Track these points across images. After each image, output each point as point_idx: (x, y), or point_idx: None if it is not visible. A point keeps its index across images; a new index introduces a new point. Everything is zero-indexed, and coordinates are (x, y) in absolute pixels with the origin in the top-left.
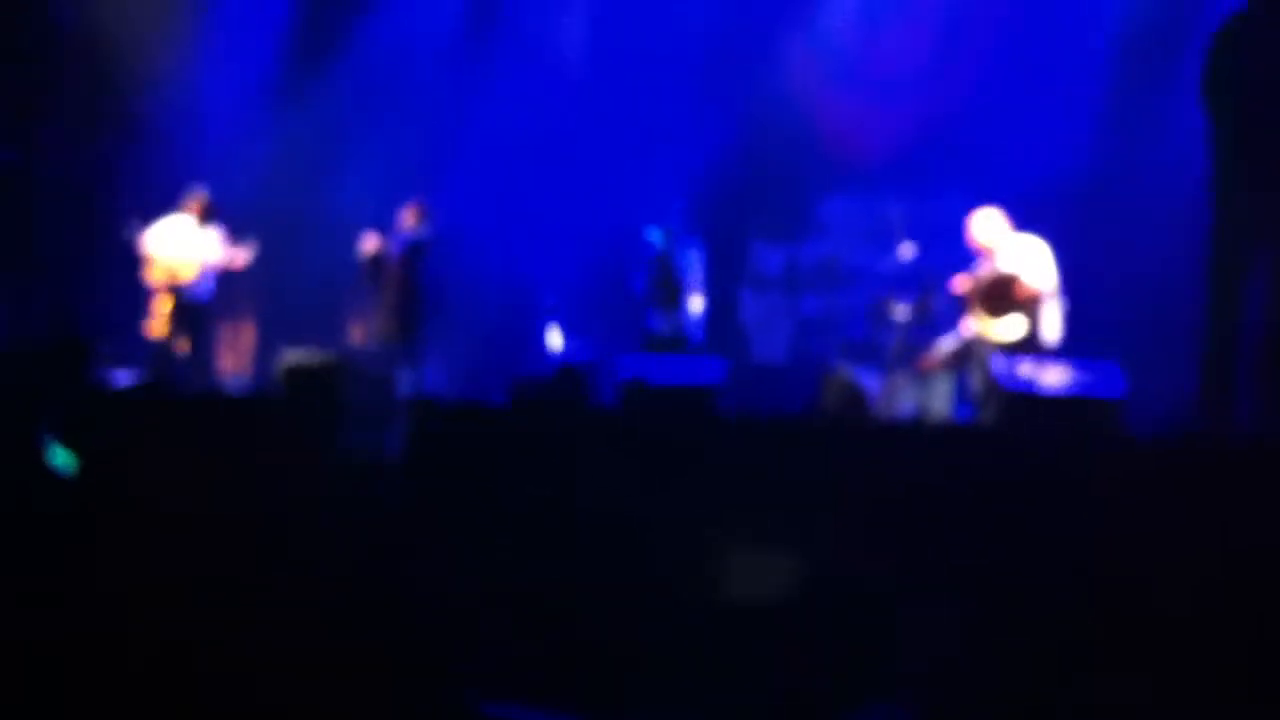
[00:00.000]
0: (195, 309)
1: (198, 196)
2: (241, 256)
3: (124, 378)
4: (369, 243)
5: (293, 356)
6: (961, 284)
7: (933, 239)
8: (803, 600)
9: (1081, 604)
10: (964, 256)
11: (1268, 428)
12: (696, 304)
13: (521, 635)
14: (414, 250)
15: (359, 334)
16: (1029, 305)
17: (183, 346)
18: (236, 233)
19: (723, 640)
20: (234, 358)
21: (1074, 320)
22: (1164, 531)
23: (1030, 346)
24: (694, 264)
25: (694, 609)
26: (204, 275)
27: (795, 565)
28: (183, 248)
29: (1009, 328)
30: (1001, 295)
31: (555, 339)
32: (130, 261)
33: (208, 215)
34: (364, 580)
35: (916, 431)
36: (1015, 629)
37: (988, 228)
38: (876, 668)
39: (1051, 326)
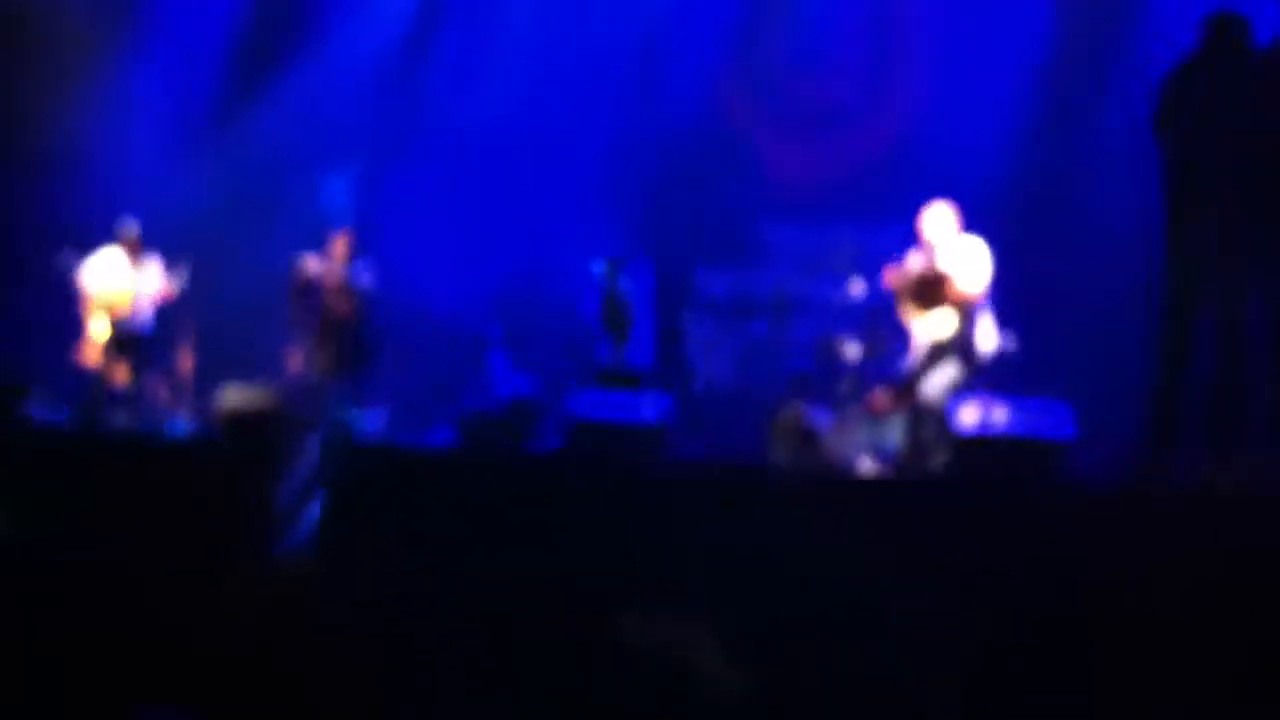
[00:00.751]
0: (134, 340)
1: (128, 229)
2: (173, 285)
3: (54, 415)
4: (305, 268)
5: (233, 397)
6: (891, 277)
7: (878, 272)
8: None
9: (1027, 647)
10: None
11: (1211, 478)
12: (644, 337)
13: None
14: (350, 283)
15: (296, 364)
16: (959, 306)
17: (120, 376)
18: (168, 261)
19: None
20: (172, 389)
21: (1019, 354)
22: (1107, 579)
23: (964, 353)
24: (643, 295)
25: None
26: (142, 308)
27: (741, 628)
28: (118, 281)
29: (937, 324)
30: (931, 292)
31: (503, 370)
32: (54, 295)
33: (139, 247)
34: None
35: (868, 482)
36: (966, 672)
37: (939, 222)
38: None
39: (986, 335)
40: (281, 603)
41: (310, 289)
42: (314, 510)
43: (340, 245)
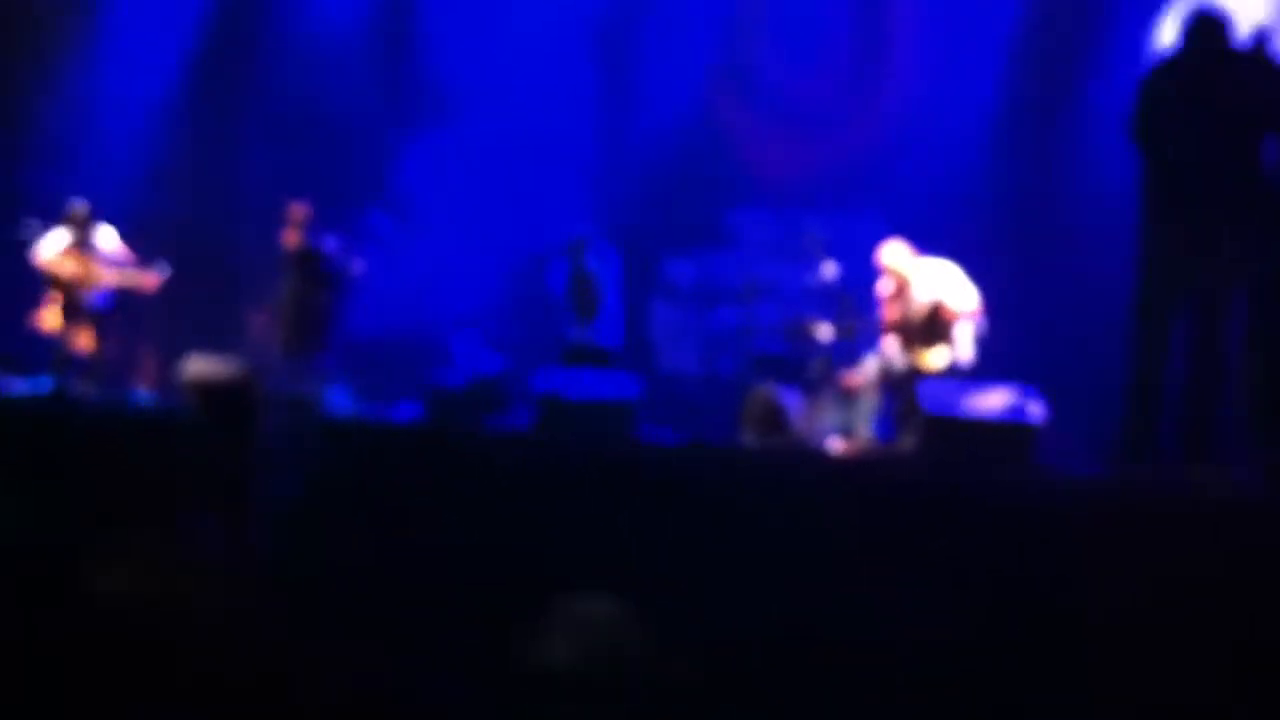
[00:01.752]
0: (92, 312)
1: (77, 209)
2: (152, 279)
3: (22, 385)
4: (291, 237)
5: (198, 366)
6: (891, 316)
7: (849, 256)
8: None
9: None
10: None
11: (1185, 480)
12: (612, 316)
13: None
14: (312, 257)
15: (260, 333)
16: (951, 328)
17: (83, 343)
18: (143, 244)
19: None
20: (133, 353)
21: (991, 347)
22: (1075, 569)
23: (949, 369)
24: (611, 274)
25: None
26: (100, 288)
27: (717, 601)
28: (73, 262)
29: (939, 355)
30: (931, 324)
31: (470, 347)
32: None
33: (89, 225)
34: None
35: (837, 460)
36: (932, 656)
37: (896, 259)
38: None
39: (965, 348)
40: (247, 576)
41: (294, 260)
42: (283, 483)
43: (297, 215)
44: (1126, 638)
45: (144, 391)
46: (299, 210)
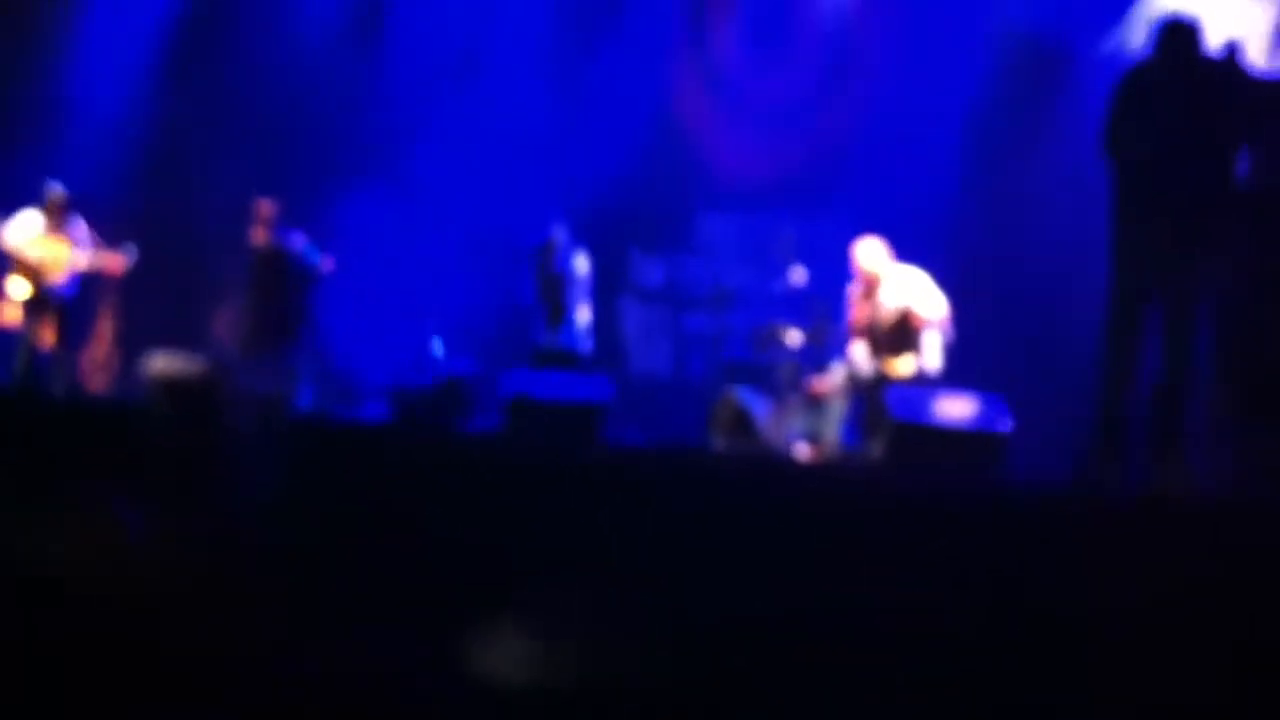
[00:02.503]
0: (55, 304)
1: (54, 193)
2: (118, 261)
3: None
4: (258, 234)
5: (162, 363)
6: (858, 320)
7: (818, 261)
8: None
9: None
10: (849, 277)
11: (1158, 485)
12: (584, 316)
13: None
14: (278, 255)
15: (222, 331)
16: (919, 336)
17: (45, 339)
18: (109, 235)
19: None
20: (93, 350)
21: (960, 354)
22: (1041, 575)
23: (916, 377)
24: (581, 276)
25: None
26: (67, 275)
27: (683, 603)
28: (42, 246)
29: (906, 363)
30: (899, 331)
31: (438, 350)
32: None
33: (64, 211)
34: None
35: (803, 466)
36: (898, 659)
37: (871, 257)
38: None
39: (933, 356)
40: (214, 574)
41: (262, 259)
42: (249, 481)
43: (263, 212)
44: (1097, 641)
45: (107, 389)
46: (265, 207)
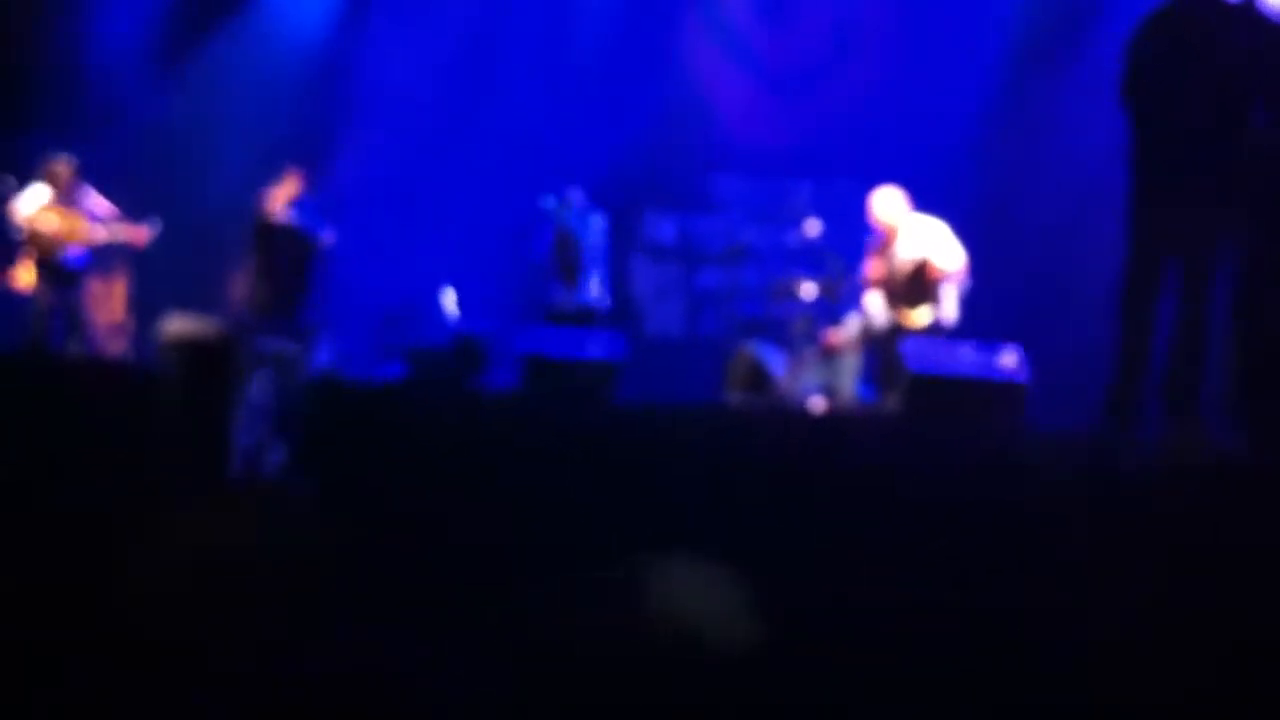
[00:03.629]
0: (68, 273)
1: (60, 165)
2: (142, 233)
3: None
4: (273, 203)
5: (177, 324)
6: (874, 271)
7: (832, 218)
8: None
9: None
10: (864, 241)
11: (1173, 446)
12: (598, 276)
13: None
14: (300, 222)
15: (238, 293)
16: (937, 287)
17: (59, 305)
18: (125, 204)
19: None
20: (107, 313)
21: (978, 313)
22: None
23: (932, 328)
24: (596, 236)
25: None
26: (82, 246)
27: (706, 563)
28: (53, 217)
29: (922, 314)
30: (915, 282)
31: (451, 304)
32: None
33: (73, 182)
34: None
35: (824, 419)
36: (916, 616)
37: (889, 207)
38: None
39: (950, 307)
40: (233, 537)
41: (272, 226)
42: (265, 444)
43: (290, 183)
44: (1114, 600)
45: (117, 343)
46: (295, 175)
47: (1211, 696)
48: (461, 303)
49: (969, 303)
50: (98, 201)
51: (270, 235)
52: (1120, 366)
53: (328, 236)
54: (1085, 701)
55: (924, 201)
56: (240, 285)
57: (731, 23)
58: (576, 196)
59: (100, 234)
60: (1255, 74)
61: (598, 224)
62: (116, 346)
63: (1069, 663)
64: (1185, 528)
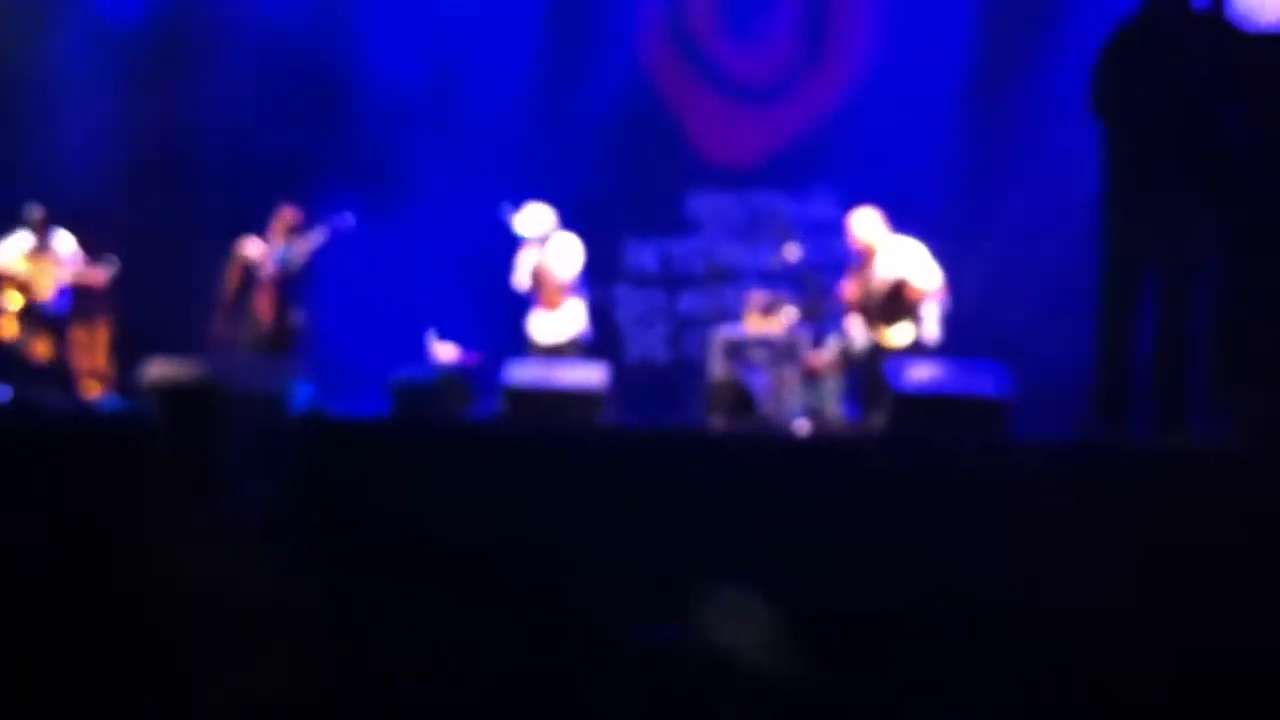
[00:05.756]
0: (49, 320)
1: (34, 212)
2: (100, 276)
3: None
4: (250, 249)
5: (160, 369)
6: (851, 292)
7: (810, 237)
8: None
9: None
10: (842, 255)
11: (1158, 440)
12: (579, 305)
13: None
14: (291, 265)
15: (219, 336)
16: (916, 307)
17: (40, 351)
18: (92, 244)
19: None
20: (89, 361)
21: (957, 323)
22: (1048, 538)
23: (914, 347)
24: (574, 264)
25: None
26: (57, 290)
27: (692, 584)
28: (29, 263)
29: (901, 333)
30: (893, 301)
31: (441, 348)
32: None
33: (49, 229)
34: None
35: (809, 441)
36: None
37: (867, 227)
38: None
39: (931, 326)
40: (223, 574)
41: (248, 274)
42: (254, 483)
43: (283, 221)
44: (1105, 598)
45: (109, 398)
46: (289, 214)
47: (1201, 687)
48: (445, 337)
49: (950, 316)
50: (70, 248)
51: (251, 275)
52: (1104, 370)
53: (346, 220)
54: (1081, 698)
55: (901, 208)
56: (222, 326)
57: (698, 38)
58: (554, 225)
59: (66, 275)
60: (1225, 80)
61: (576, 253)
62: (99, 391)
63: (1066, 663)
64: (1174, 525)
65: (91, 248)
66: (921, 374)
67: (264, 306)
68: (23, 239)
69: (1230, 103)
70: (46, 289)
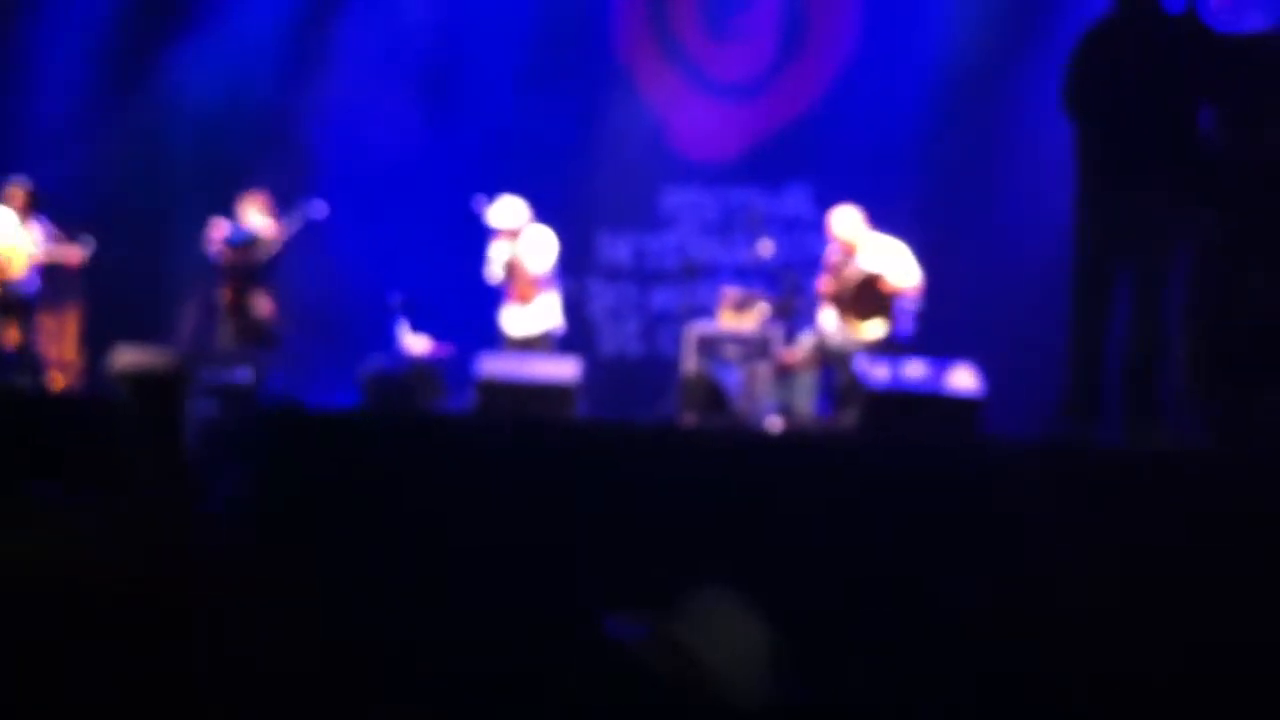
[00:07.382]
0: (19, 302)
1: (19, 187)
2: (76, 254)
3: None
4: (217, 230)
5: (127, 356)
6: (826, 286)
7: (784, 234)
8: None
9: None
10: (817, 252)
11: (1131, 439)
12: (552, 297)
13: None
14: (258, 246)
15: (189, 326)
16: (890, 303)
17: (10, 338)
18: (67, 226)
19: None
20: (57, 350)
21: (931, 321)
22: (1020, 536)
23: (888, 344)
24: (547, 257)
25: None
26: (30, 270)
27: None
28: (7, 241)
29: (874, 328)
30: (868, 296)
31: (410, 338)
32: None
33: (31, 207)
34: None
35: (781, 437)
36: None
37: (847, 225)
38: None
39: (905, 323)
40: (190, 566)
41: (220, 253)
42: (221, 474)
43: (251, 206)
44: (1085, 596)
45: (67, 376)
46: (258, 197)
47: (1177, 686)
48: (418, 328)
49: (924, 315)
50: (44, 225)
51: (219, 262)
52: (1076, 367)
53: (318, 209)
54: (1053, 697)
55: (876, 205)
56: (191, 314)
57: (676, 32)
58: (520, 210)
59: (39, 255)
60: (1199, 80)
61: (550, 245)
62: (68, 378)
63: (1039, 662)
64: (1146, 525)
65: (66, 229)
66: (894, 371)
67: (226, 292)
68: (3, 213)
69: (1203, 103)
70: (21, 268)
